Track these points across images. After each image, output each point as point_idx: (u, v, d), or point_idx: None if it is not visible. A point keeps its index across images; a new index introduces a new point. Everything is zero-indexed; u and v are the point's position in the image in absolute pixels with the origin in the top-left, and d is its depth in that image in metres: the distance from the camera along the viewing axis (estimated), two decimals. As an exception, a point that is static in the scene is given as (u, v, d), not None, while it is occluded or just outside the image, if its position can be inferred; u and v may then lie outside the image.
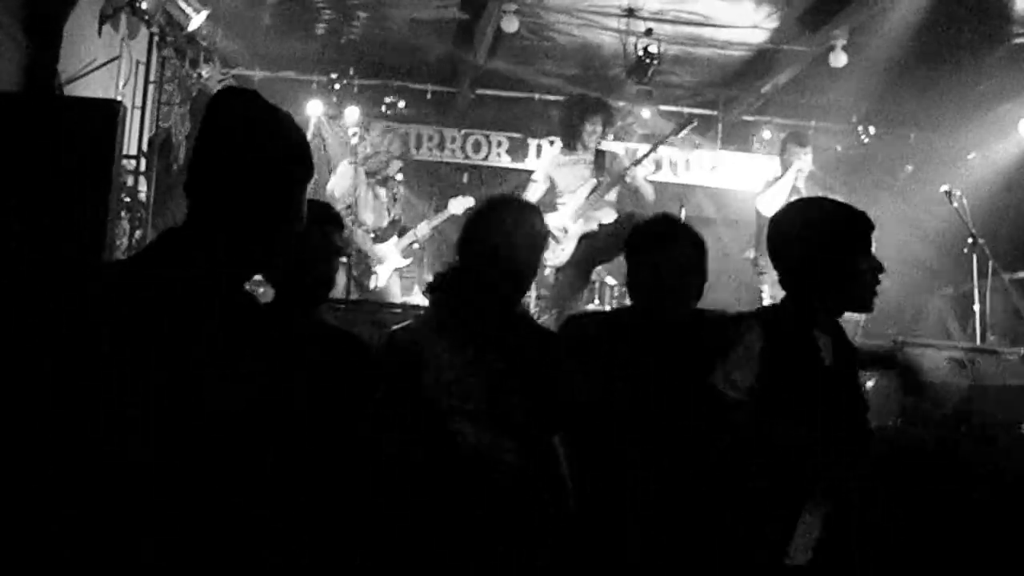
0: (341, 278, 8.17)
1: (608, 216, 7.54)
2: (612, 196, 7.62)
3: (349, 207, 8.36)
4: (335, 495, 1.50)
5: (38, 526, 1.42)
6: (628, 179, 7.49)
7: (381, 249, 8.55)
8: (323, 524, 1.49)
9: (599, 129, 7.69)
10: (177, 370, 1.49)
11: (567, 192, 7.64)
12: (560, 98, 10.19)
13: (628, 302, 3.69)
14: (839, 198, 3.27)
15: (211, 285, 1.57)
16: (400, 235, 8.72)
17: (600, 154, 7.70)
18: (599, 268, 8.14)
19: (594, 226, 7.47)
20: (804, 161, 8.03)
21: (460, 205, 8.89)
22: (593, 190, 7.53)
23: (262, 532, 1.44)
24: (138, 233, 7.96)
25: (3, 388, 1.53)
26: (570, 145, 7.75)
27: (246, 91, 1.98)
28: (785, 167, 8.13)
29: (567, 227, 7.50)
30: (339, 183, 8.62)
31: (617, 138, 9.78)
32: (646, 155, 7.84)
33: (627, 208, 7.67)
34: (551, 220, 7.38)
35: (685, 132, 8.35)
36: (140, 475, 1.44)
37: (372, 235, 8.53)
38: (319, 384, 2.51)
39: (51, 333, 1.57)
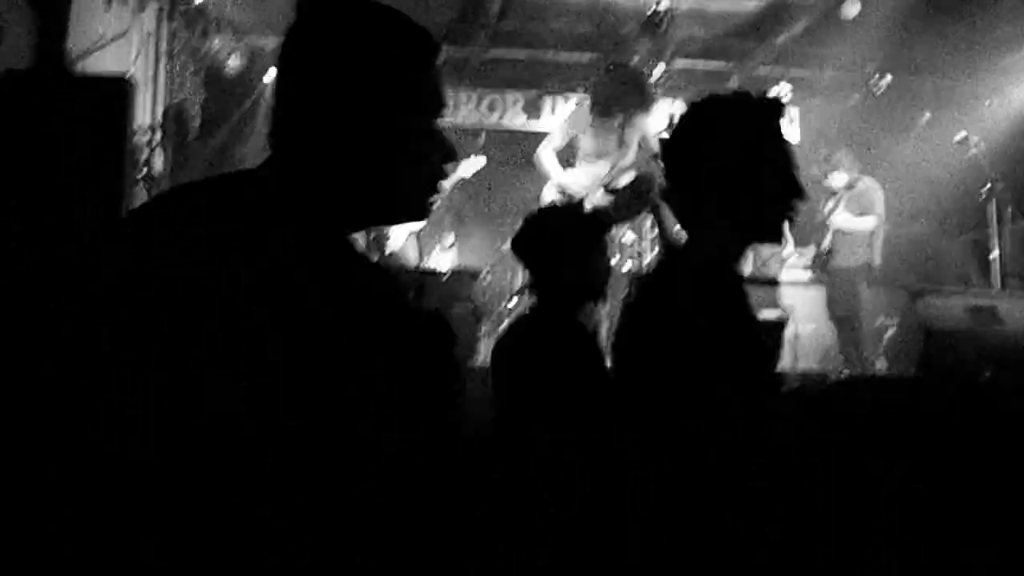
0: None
1: (627, 178, 7.50)
2: (629, 177, 7.55)
3: None
4: (335, 494, 1.51)
5: (38, 526, 1.44)
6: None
7: None
8: (323, 524, 1.50)
9: (633, 111, 7.60)
10: (177, 370, 1.50)
11: (591, 155, 7.53)
12: (572, 54, 10.18)
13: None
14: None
15: (212, 284, 1.57)
16: None
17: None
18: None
19: (610, 199, 7.38)
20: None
21: (470, 167, 8.85)
22: (615, 164, 7.47)
23: (262, 532, 1.45)
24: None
25: (3, 388, 1.54)
26: (604, 113, 7.56)
27: None
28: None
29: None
30: None
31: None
32: None
33: (643, 168, 7.65)
34: (564, 177, 7.37)
35: None
36: (140, 475, 1.45)
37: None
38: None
39: (51, 333, 1.58)
